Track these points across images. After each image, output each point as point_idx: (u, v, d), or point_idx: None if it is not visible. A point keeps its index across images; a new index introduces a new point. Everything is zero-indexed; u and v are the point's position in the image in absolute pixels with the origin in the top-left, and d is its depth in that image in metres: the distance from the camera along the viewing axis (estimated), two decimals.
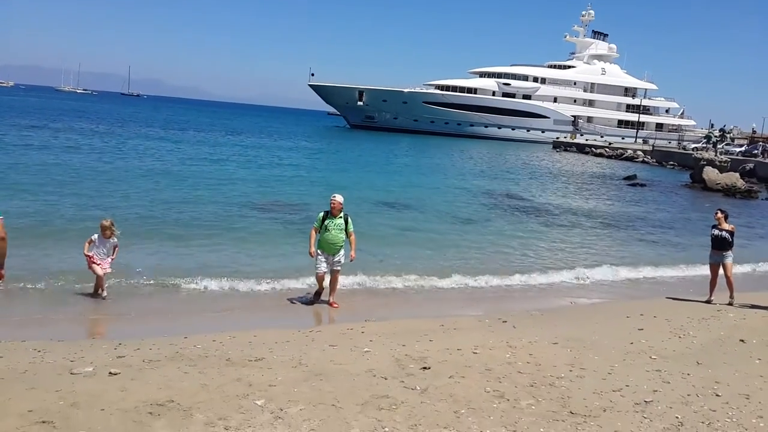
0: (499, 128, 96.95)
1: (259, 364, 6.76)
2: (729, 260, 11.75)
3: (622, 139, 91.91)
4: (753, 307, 11.24)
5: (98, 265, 9.83)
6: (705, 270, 12.66)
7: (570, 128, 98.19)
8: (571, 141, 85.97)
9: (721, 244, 11.71)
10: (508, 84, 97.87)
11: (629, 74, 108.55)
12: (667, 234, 21.52)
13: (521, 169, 47.60)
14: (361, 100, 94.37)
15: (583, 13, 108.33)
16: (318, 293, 10.47)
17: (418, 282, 12.33)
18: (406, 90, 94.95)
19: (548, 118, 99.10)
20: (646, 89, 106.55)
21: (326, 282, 10.39)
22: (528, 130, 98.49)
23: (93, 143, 38.89)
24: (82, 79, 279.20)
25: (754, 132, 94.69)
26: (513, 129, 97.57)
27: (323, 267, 10.20)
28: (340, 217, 10.17)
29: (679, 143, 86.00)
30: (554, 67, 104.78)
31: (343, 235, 10.18)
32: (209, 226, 16.23)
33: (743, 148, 66.92)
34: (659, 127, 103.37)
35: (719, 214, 11.85)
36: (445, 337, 8.33)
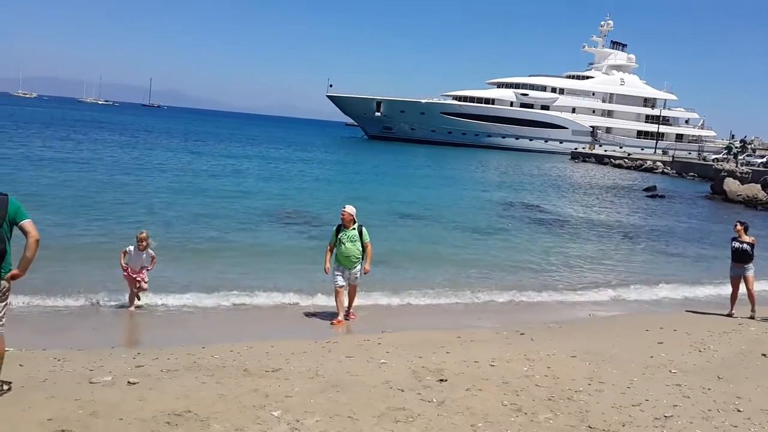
0: (517, 139, 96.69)
1: (276, 375, 6.78)
2: (750, 273, 11.59)
3: (642, 149, 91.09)
4: None
5: (134, 276, 9.96)
6: (726, 283, 12.50)
7: (588, 139, 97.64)
8: (589, 152, 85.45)
9: (741, 257, 11.56)
10: (526, 94, 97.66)
11: (648, 84, 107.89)
12: (687, 246, 21.26)
13: (539, 179, 47.37)
14: (378, 110, 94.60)
15: (602, 23, 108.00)
16: (338, 307, 10.21)
17: (435, 293, 12.30)
18: (423, 101, 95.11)
19: (566, 128, 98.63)
20: (665, 100, 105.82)
21: (345, 296, 10.20)
22: (546, 141, 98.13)
23: (115, 155, 39.41)
24: (103, 90, 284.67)
25: None
26: (531, 140, 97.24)
27: (340, 281, 9.98)
28: (353, 229, 9.94)
29: (699, 154, 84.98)
30: (573, 77, 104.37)
31: (357, 247, 9.93)
32: (229, 239, 16.33)
33: (765, 159, 66.02)
34: (679, 137, 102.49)
35: (739, 227, 11.70)
36: (462, 349, 8.30)
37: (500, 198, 32.03)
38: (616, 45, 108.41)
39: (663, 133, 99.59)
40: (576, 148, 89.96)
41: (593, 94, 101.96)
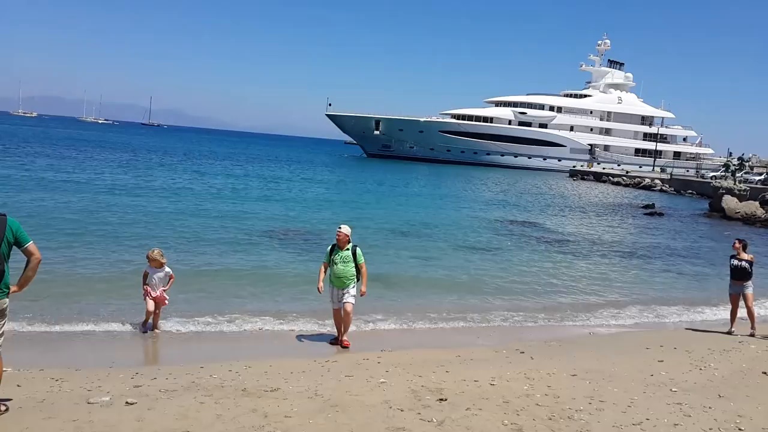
0: (516, 157, 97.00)
1: (274, 395, 6.74)
2: (749, 290, 11.60)
3: (640, 167, 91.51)
4: None
5: (152, 297, 9.91)
6: (725, 301, 12.49)
7: (587, 157, 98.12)
8: (588, 169, 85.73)
9: (740, 275, 11.57)
10: (524, 113, 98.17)
11: (646, 103, 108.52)
12: (686, 264, 21.25)
13: (538, 197, 47.42)
14: (377, 129, 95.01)
15: (599, 42, 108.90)
16: (336, 327, 10.08)
17: (433, 311, 12.29)
18: (422, 119, 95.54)
19: (565, 146, 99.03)
20: (663, 117, 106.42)
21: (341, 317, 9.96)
22: (544, 159, 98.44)
23: (117, 175, 39.40)
24: (103, 109, 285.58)
25: None
26: (529, 158, 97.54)
27: (333, 302, 9.86)
28: (347, 249, 9.75)
29: (697, 172, 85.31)
30: (570, 96, 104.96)
31: (350, 268, 9.73)
32: (229, 260, 16.28)
33: (762, 177, 66.22)
34: (677, 155, 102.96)
35: (737, 244, 11.73)
36: (462, 367, 8.27)
37: (500, 216, 32.04)
38: (613, 64, 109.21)
39: (661, 151, 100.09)
40: (574, 166, 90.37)
41: (591, 112, 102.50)
